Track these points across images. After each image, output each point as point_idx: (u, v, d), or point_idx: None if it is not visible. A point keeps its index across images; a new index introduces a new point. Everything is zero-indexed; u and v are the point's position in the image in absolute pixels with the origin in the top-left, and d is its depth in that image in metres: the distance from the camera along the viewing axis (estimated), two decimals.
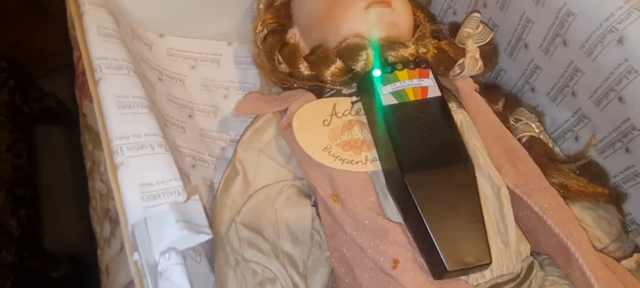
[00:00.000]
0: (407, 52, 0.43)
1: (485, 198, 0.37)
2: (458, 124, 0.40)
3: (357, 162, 0.38)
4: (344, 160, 0.38)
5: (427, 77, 0.40)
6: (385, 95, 0.38)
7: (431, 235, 0.32)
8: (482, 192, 0.37)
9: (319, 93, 0.45)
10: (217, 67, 0.59)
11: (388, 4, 0.45)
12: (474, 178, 0.35)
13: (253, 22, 0.54)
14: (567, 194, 0.41)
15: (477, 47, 0.46)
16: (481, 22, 0.46)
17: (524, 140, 0.46)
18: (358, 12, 0.44)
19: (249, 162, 0.43)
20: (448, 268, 0.31)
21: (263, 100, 0.47)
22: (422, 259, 0.33)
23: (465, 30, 0.45)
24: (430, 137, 0.36)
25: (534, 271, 0.35)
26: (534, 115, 0.49)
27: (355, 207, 0.36)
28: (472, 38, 0.45)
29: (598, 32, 0.38)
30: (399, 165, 0.34)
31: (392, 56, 0.42)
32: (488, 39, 0.46)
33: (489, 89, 0.49)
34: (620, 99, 0.39)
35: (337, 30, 0.45)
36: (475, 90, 0.46)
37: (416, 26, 0.48)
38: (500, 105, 0.48)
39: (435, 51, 0.44)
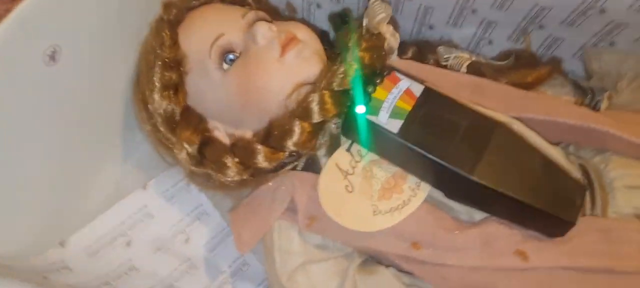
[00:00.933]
0: (351, 71, 0.40)
1: None
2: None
3: (409, 199, 0.36)
4: (397, 207, 0.36)
5: (398, 79, 0.39)
6: (387, 123, 0.36)
7: (535, 206, 0.32)
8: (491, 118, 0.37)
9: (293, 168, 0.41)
10: (153, 220, 0.48)
11: (296, 39, 0.41)
12: (513, 131, 0.36)
13: (160, 149, 0.45)
14: (528, 87, 0.46)
15: (389, 24, 0.47)
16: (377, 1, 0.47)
17: (465, 70, 0.49)
18: (279, 66, 0.40)
19: (303, 284, 0.37)
20: (573, 221, 0.32)
21: (255, 213, 0.40)
22: (531, 231, 0.34)
23: (378, 18, 0.45)
24: (453, 127, 0.36)
25: (587, 167, 0.39)
26: (450, 46, 0.52)
27: (445, 239, 0.34)
28: (384, 20, 0.46)
29: None
30: (459, 172, 0.33)
31: (342, 85, 0.40)
32: (391, 13, 0.47)
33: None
34: None
35: (272, 97, 0.40)
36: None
37: (326, 42, 0.46)
38: (410, 54, 0.50)
39: (369, 54, 0.43)
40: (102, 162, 0.47)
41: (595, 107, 0.46)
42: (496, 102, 0.41)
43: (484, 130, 0.35)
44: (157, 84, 0.42)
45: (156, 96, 0.42)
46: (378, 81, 0.38)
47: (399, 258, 0.37)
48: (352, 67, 0.40)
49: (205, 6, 0.46)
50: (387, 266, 0.39)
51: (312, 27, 0.53)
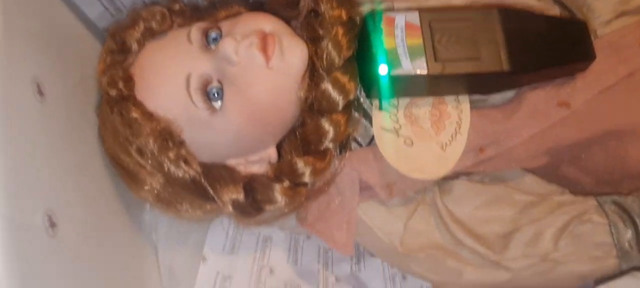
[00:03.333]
0: (341, 37, 0.38)
1: None
2: (407, 5, 0.40)
3: (460, 119, 0.38)
4: (455, 130, 0.38)
5: (393, 19, 0.37)
6: (413, 67, 0.36)
7: (563, 64, 0.37)
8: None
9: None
10: (232, 280, 0.46)
11: (270, 37, 0.37)
12: (508, 7, 0.38)
13: (201, 216, 0.41)
14: None
15: None
16: None
17: None
18: (271, 74, 0.37)
19: (415, 243, 0.40)
20: (594, 56, 0.37)
21: (334, 215, 0.40)
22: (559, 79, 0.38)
23: None
24: (463, 32, 0.36)
25: None
26: None
27: (501, 132, 0.38)
28: None
29: None
30: (494, 72, 0.36)
31: (343, 55, 0.38)
32: None
33: None
34: None
35: (283, 109, 0.38)
36: None
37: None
38: None
39: (339, 9, 0.39)
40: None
41: None
42: None
43: (490, 24, 0.37)
44: (165, 165, 0.36)
45: (171, 175, 0.37)
46: (375, 32, 0.37)
47: (469, 168, 0.40)
48: (339, 33, 0.38)
49: (144, 55, 0.38)
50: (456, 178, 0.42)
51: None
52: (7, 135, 0.28)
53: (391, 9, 0.39)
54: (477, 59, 0.36)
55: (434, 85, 0.38)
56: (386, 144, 0.38)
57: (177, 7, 0.42)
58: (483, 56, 0.36)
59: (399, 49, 0.36)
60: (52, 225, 0.30)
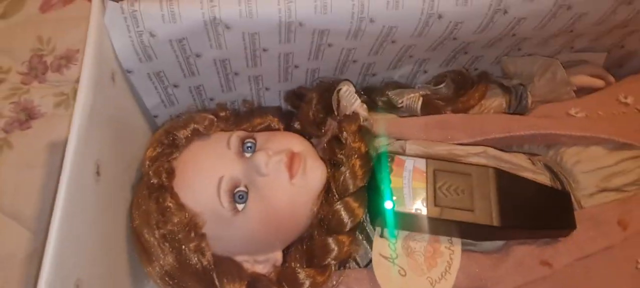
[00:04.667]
0: (358, 169, 0.43)
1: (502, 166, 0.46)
2: (423, 150, 0.47)
3: (451, 259, 0.42)
4: (445, 270, 0.42)
5: (403, 161, 0.44)
6: (415, 207, 0.41)
7: (546, 230, 0.41)
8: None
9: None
10: None
11: (297, 156, 0.43)
12: (503, 171, 0.44)
13: None
14: (476, 104, 0.55)
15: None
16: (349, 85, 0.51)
17: (419, 106, 0.55)
18: (293, 189, 0.42)
19: None
20: (574, 226, 0.42)
21: None
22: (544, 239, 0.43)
23: (355, 105, 0.49)
24: (462, 185, 0.42)
25: (550, 165, 0.49)
26: (394, 87, 0.59)
27: (488, 276, 0.42)
28: (358, 102, 0.50)
29: (422, 21, 0.48)
30: (487, 226, 0.41)
31: (357, 184, 0.43)
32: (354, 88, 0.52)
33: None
34: (455, 38, 0.51)
35: (296, 220, 0.43)
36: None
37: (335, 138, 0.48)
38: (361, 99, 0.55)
39: (356, 139, 0.46)
40: None
41: (521, 102, 0.58)
42: (462, 132, 0.48)
43: (484, 179, 0.43)
44: (183, 252, 0.40)
45: (185, 262, 0.41)
46: (389, 168, 0.43)
47: None
48: (357, 164, 0.44)
49: (188, 152, 0.45)
50: None
51: (271, 111, 0.55)
52: (67, 211, 0.33)
53: (402, 152, 0.46)
54: (471, 210, 0.41)
55: (431, 226, 0.42)
56: (382, 270, 0.42)
57: (222, 113, 0.49)
58: (477, 209, 0.41)
59: (405, 189, 0.42)
60: None
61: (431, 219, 0.41)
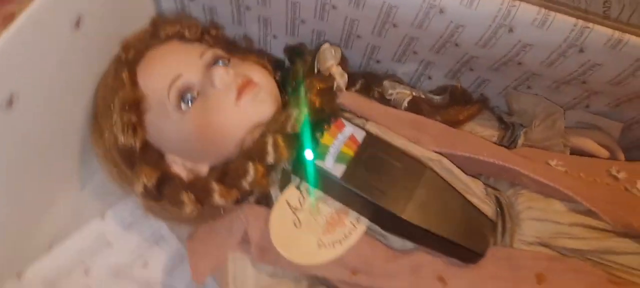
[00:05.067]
0: (302, 116, 0.44)
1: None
2: (378, 132, 0.46)
3: (350, 233, 0.41)
4: (339, 240, 0.40)
5: (343, 125, 0.43)
6: (333, 167, 0.41)
7: (452, 240, 0.38)
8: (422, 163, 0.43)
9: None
10: (111, 249, 0.50)
11: (252, 83, 0.44)
12: (437, 174, 0.42)
13: (118, 181, 0.47)
14: (459, 124, 0.52)
15: (338, 66, 0.51)
16: (330, 46, 0.51)
17: (407, 105, 0.54)
18: (235, 109, 0.43)
19: None
20: (482, 254, 0.38)
21: (212, 244, 0.43)
22: (453, 259, 0.40)
23: (328, 63, 0.49)
24: (389, 172, 0.41)
25: (501, 199, 0.45)
26: (394, 80, 0.57)
27: (379, 267, 0.39)
28: (333, 66, 0.50)
29: (423, 10, 0.47)
30: (392, 212, 0.39)
31: (294, 129, 0.43)
32: (340, 55, 0.51)
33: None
34: (457, 45, 0.50)
35: (228, 138, 0.44)
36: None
37: (281, 69, 0.49)
38: (359, 85, 0.55)
39: (319, 98, 0.46)
40: (58, 193, 0.48)
41: (514, 140, 0.54)
42: (431, 138, 0.46)
43: (414, 174, 0.41)
44: (116, 123, 0.43)
45: (115, 134, 0.44)
46: (325, 127, 0.43)
47: (340, 283, 0.41)
48: (302, 112, 0.44)
49: (163, 46, 0.48)
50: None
51: (268, 56, 0.57)
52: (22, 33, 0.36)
53: (352, 121, 0.45)
54: (383, 193, 0.39)
55: (341, 192, 0.41)
56: (279, 212, 0.41)
57: (214, 32, 0.52)
58: (390, 195, 0.39)
59: (332, 149, 0.41)
60: (9, 104, 0.38)
61: (342, 185, 0.40)
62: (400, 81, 0.58)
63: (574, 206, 0.43)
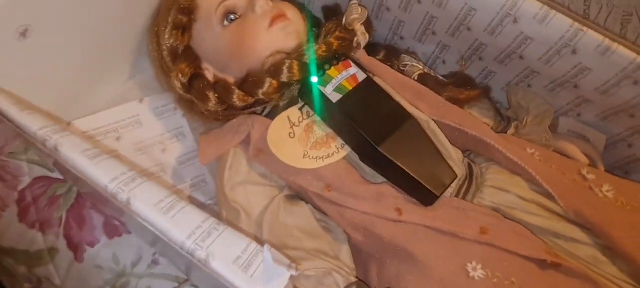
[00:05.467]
0: (320, 52, 0.52)
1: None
2: (380, 83, 0.52)
3: (332, 154, 0.47)
4: (322, 157, 0.47)
5: (350, 66, 0.50)
6: (331, 94, 0.48)
7: (415, 177, 0.44)
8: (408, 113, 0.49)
9: (259, 113, 0.52)
10: (141, 128, 0.59)
11: (285, 17, 0.52)
12: (419, 124, 0.48)
13: (160, 75, 0.56)
14: (458, 103, 0.58)
15: (361, 25, 0.58)
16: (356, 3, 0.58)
17: (416, 77, 0.60)
18: (266, 34, 0.51)
19: (240, 197, 0.48)
20: (437, 194, 0.44)
21: (220, 139, 0.51)
22: (412, 198, 0.46)
23: (352, 17, 0.56)
24: (378, 110, 0.47)
25: (473, 167, 0.51)
26: (413, 57, 0.64)
27: (350, 187, 0.46)
28: (358, 20, 0.57)
29: None
30: (371, 142, 0.45)
31: (308, 58, 0.51)
32: (366, 16, 0.58)
33: (371, 48, 0.62)
34: (469, 29, 0.55)
35: (255, 55, 0.52)
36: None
37: (316, 26, 0.57)
38: (382, 55, 0.61)
39: (338, 42, 0.54)
40: (114, 73, 0.59)
41: (505, 132, 0.58)
42: (428, 106, 0.52)
43: (399, 118, 0.47)
44: (170, 23, 0.53)
45: (167, 32, 0.53)
46: (334, 63, 0.50)
47: (315, 196, 0.48)
48: (319, 49, 0.51)
49: None
50: (307, 203, 0.50)
51: (307, 12, 0.64)
52: None
53: (363, 68, 0.52)
54: (366, 124, 0.46)
55: (335, 120, 0.48)
56: (278, 124, 0.48)
57: None
58: (372, 127, 0.46)
59: (334, 80, 0.49)
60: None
61: (334, 109, 0.47)
62: (418, 59, 0.64)
63: (536, 187, 0.47)
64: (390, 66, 0.60)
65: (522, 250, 0.43)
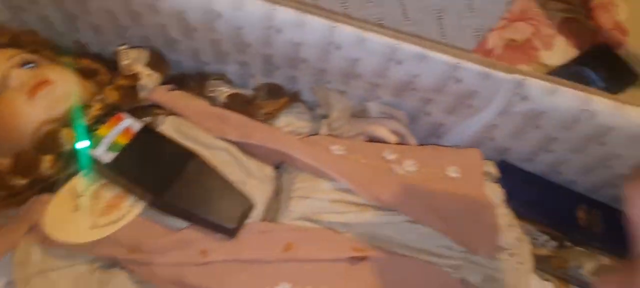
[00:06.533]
0: (94, 111, 0.48)
1: (226, 163, 0.48)
2: (170, 127, 0.50)
3: (124, 215, 0.45)
4: (113, 221, 0.44)
5: (121, 119, 0.47)
6: (104, 155, 0.45)
7: (206, 218, 0.43)
8: (222, 159, 0.48)
9: (50, 189, 0.48)
10: None
11: (47, 82, 0.48)
12: (203, 161, 0.46)
13: None
14: (267, 116, 0.57)
15: (145, 65, 0.55)
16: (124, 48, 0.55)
17: (226, 99, 0.58)
18: (27, 107, 0.47)
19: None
20: (232, 227, 0.43)
21: (7, 232, 0.46)
22: (217, 234, 0.44)
23: (124, 63, 0.53)
24: (157, 159, 0.45)
25: (283, 180, 0.51)
26: (222, 79, 0.62)
27: (151, 244, 0.44)
28: (138, 62, 0.54)
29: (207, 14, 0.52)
30: (155, 196, 0.43)
31: (86, 121, 0.47)
32: (147, 57, 0.56)
33: (180, 80, 0.59)
34: (249, 45, 0.55)
35: (19, 134, 0.47)
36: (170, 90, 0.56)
37: (92, 78, 0.53)
38: (191, 85, 0.59)
39: (118, 93, 0.51)
40: None
41: (320, 128, 0.59)
42: (233, 129, 0.51)
43: (180, 160, 0.45)
44: None
45: None
46: (105, 121, 0.47)
47: (122, 260, 0.45)
48: (93, 107, 0.48)
49: None
50: (123, 268, 0.47)
51: (100, 58, 0.60)
52: None
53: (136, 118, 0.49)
54: (143, 177, 0.44)
55: (116, 180, 0.45)
56: (58, 201, 0.45)
57: (27, 37, 0.55)
58: (151, 178, 0.44)
59: (106, 139, 0.46)
60: None
61: (109, 170, 0.44)
62: (228, 80, 0.63)
63: (338, 185, 0.49)
64: (197, 93, 0.59)
65: (326, 255, 0.44)
